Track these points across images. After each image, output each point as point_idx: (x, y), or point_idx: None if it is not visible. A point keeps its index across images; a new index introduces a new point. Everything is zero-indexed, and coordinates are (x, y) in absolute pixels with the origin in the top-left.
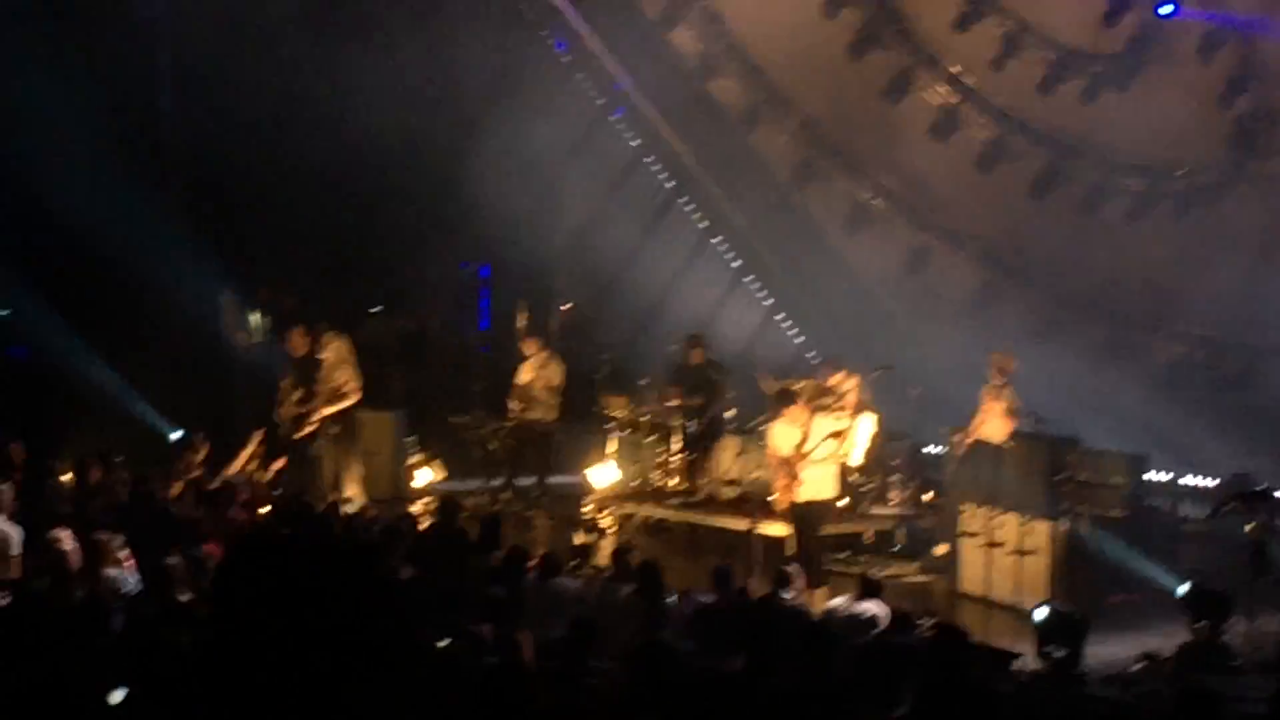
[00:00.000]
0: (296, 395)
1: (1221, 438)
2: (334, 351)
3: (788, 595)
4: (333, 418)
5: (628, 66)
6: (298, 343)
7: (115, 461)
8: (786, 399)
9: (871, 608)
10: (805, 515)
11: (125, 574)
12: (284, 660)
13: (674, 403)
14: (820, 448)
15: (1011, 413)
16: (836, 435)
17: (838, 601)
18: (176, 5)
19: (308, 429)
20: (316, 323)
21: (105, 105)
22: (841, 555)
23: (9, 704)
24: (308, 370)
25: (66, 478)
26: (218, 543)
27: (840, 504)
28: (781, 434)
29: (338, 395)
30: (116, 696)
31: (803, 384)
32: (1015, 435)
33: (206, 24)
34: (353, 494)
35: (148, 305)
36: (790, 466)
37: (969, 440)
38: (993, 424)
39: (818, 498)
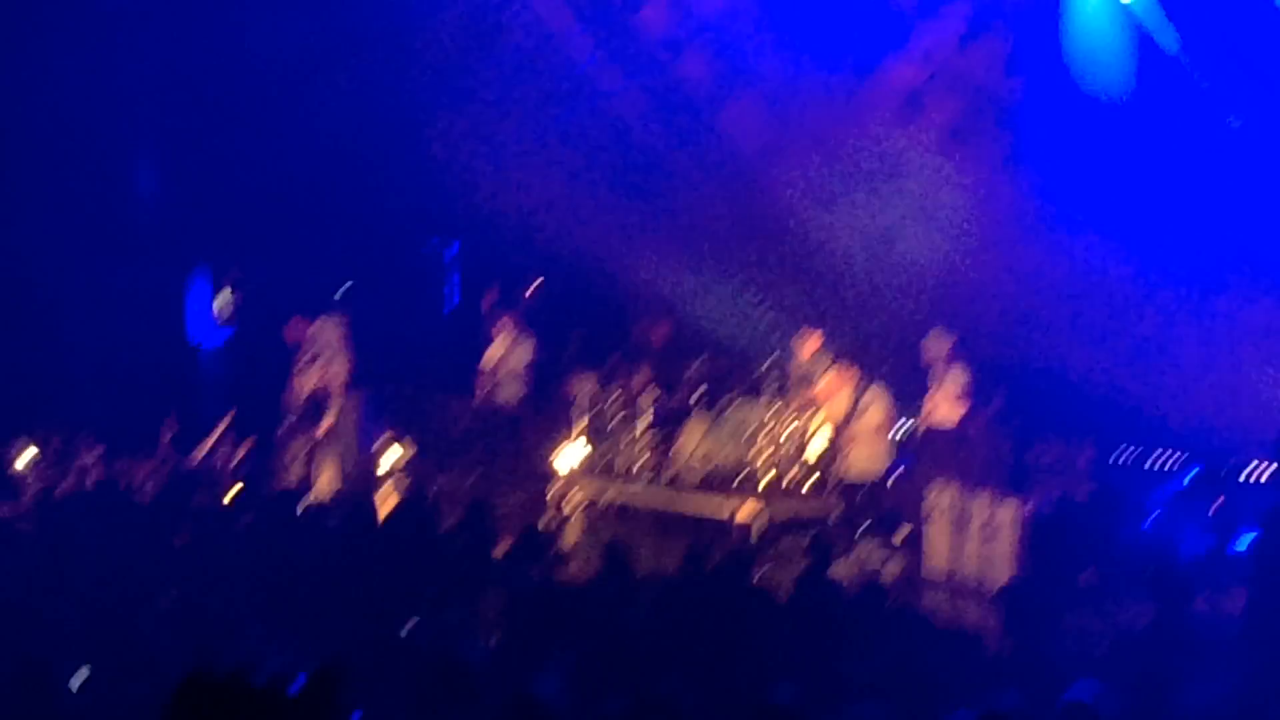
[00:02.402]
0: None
1: (1189, 415)
2: (323, 336)
3: (757, 574)
4: (311, 402)
5: (596, 40)
6: (289, 332)
7: (81, 447)
8: (839, 365)
9: (839, 574)
10: (852, 492)
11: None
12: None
13: (642, 383)
14: (865, 421)
15: (959, 395)
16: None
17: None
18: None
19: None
20: (286, 305)
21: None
22: (807, 535)
23: None
24: (303, 354)
25: (25, 463)
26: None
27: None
28: (833, 405)
29: (327, 381)
30: (79, 678)
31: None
32: (970, 416)
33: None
34: (326, 479)
35: (116, 287)
36: (839, 439)
37: (925, 422)
38: (943, 407)
39: (869, 474)
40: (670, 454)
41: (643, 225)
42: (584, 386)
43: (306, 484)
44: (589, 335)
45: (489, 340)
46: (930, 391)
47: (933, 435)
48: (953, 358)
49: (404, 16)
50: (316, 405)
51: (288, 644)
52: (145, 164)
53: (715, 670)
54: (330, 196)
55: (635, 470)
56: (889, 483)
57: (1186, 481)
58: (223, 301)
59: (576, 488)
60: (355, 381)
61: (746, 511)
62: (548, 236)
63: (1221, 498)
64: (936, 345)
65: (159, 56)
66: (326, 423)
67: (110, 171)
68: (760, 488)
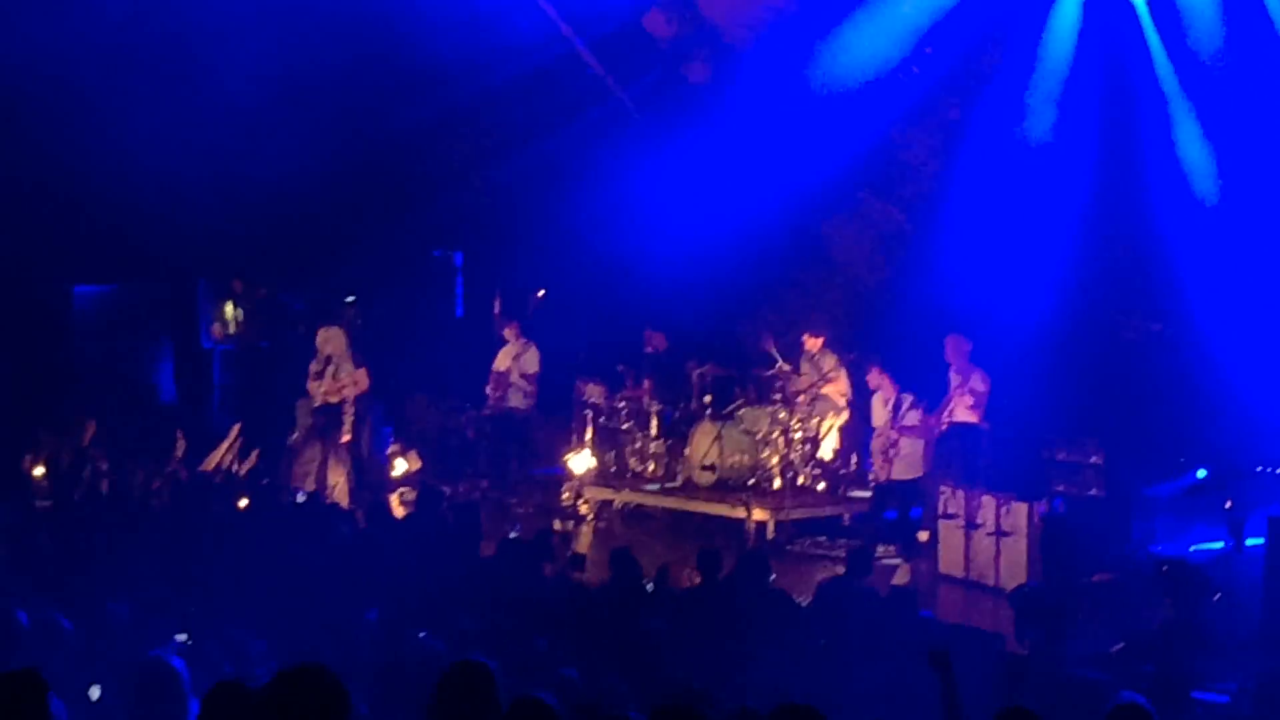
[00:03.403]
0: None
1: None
2: (331, 345)
3: (770, 579)
4: (316, 410)
5: (598, 54)
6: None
7: (93, 453)
8: (879, 364)
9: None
10: (892, 494)
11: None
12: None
13: (646, 394)
14: (909, 418)
15: (978, 395)
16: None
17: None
18: None
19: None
20: (291, 313)
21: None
22: (821, 539)
23: None
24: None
25: (40, 471)
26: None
27: (819, 487)
28: (878, 404)
29: (337, 390)
30: (94, 693)
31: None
32: (988, 417)
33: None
34: (337, 485)
35: (124, 298)
36: (882, 439)
37: (944, 423)
38: (964, 408)
39: (910, 476)
40: (680, 459)
41: (651, 232)
42: (593, 393)
43: (319, 491)
44: (597, 341)
45: (498, 347)
46: (948, 394)
47: (949, 436)
48: (966, 360)
49: (417, 38)
50: (328, 413)
51: (298, 650)
52: (162, 174)
53: (732, 673)
54: (341, 207)
55: (646, 475)
56: (910, 483)
57: (1196, 480)
58: (230, 313)
59: (587, 493)
60: (366, 388)
61: (761, 513)
62: (555, 245)
63: (1230, 499)
64: (951, 347)
65: (176, 61)
66: (339, 430)
67: (127, 180)
68: (774, 488)
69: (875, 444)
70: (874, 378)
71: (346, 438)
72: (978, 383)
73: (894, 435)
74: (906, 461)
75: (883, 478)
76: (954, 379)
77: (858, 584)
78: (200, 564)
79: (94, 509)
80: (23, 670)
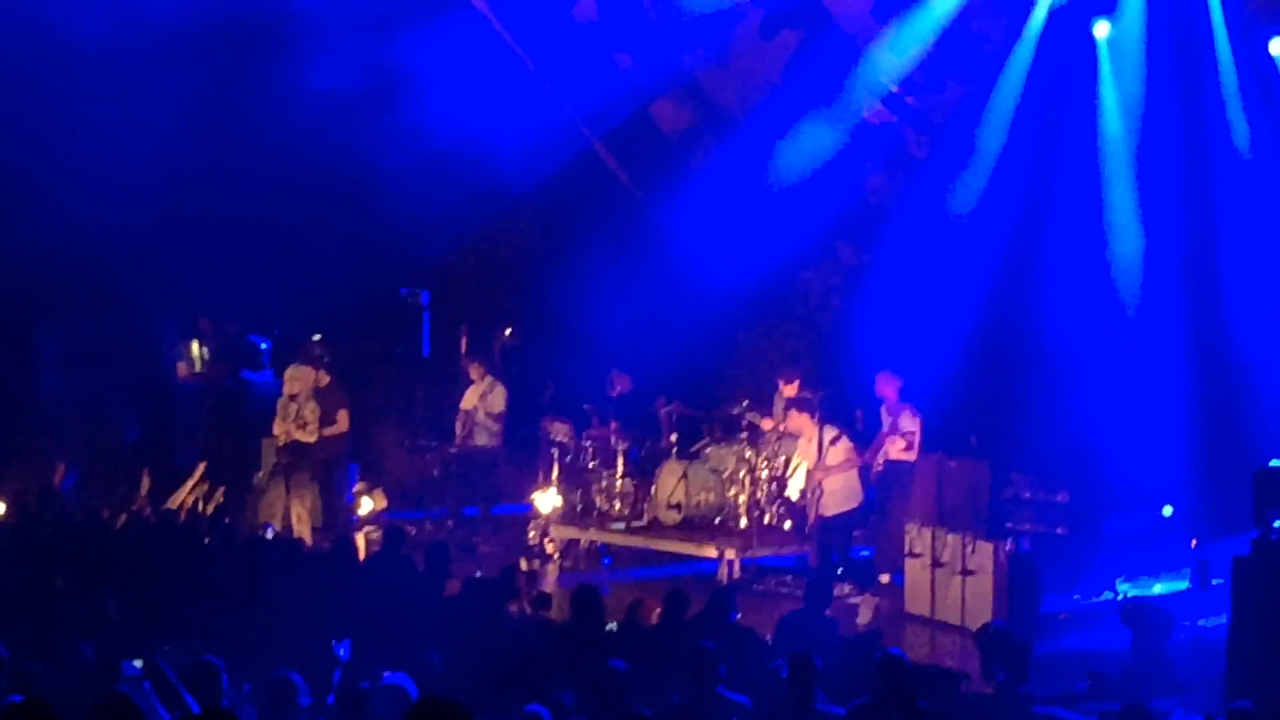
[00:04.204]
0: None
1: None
2: (298, 384)
3: (736, 618)
4: (282, 448)
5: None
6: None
7: (60, 493)
8: (800, 405)
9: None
10: (832, 530)
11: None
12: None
13: (613, 434)
14: (833, 454)
15: (908, 435)
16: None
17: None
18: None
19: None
20: (258, 352)
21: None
22: (787, 578)
23: None
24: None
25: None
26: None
27: (785, 526)
28: (804, 445)
29: (303, 428)
30: None
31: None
32: (925, 455)
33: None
34: (301, 524)
35: (90, 336)
36: (812, 478)
37: (878, 463)
38: (896, 447)
39: (844, 509)
40: (646, 498)
41: (621, 274)
42: (559, 432)
43: (284, 529)
44: (563, 380)
45: (464, 386)
46: (889, 429)
47: (899, 471)
48: (896, 397)
49: (392, 84)
50: (294, 451)
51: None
52: (129, 211)
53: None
54: (309, 246)
55: (612, 514)
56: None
57: (1161, 519)
58: (196, 351)
59: (554, 531)
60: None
61: (728, 552)
62: (520, 285)
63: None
64: (881, 384)
65: (145, 98)
66: (304, 469)
67: (94, 218)
68: (740, 527)
69: (808, 480)
70: (794, 420)
71: (309, 437)
72: (907, 422)
73: (819, 476)
74: (837, 496)
75: (812, 518)
76: (885, 417)
77: (819, 617)
78: (168, 602)
79: (60, 547)
80: (28, 700)
